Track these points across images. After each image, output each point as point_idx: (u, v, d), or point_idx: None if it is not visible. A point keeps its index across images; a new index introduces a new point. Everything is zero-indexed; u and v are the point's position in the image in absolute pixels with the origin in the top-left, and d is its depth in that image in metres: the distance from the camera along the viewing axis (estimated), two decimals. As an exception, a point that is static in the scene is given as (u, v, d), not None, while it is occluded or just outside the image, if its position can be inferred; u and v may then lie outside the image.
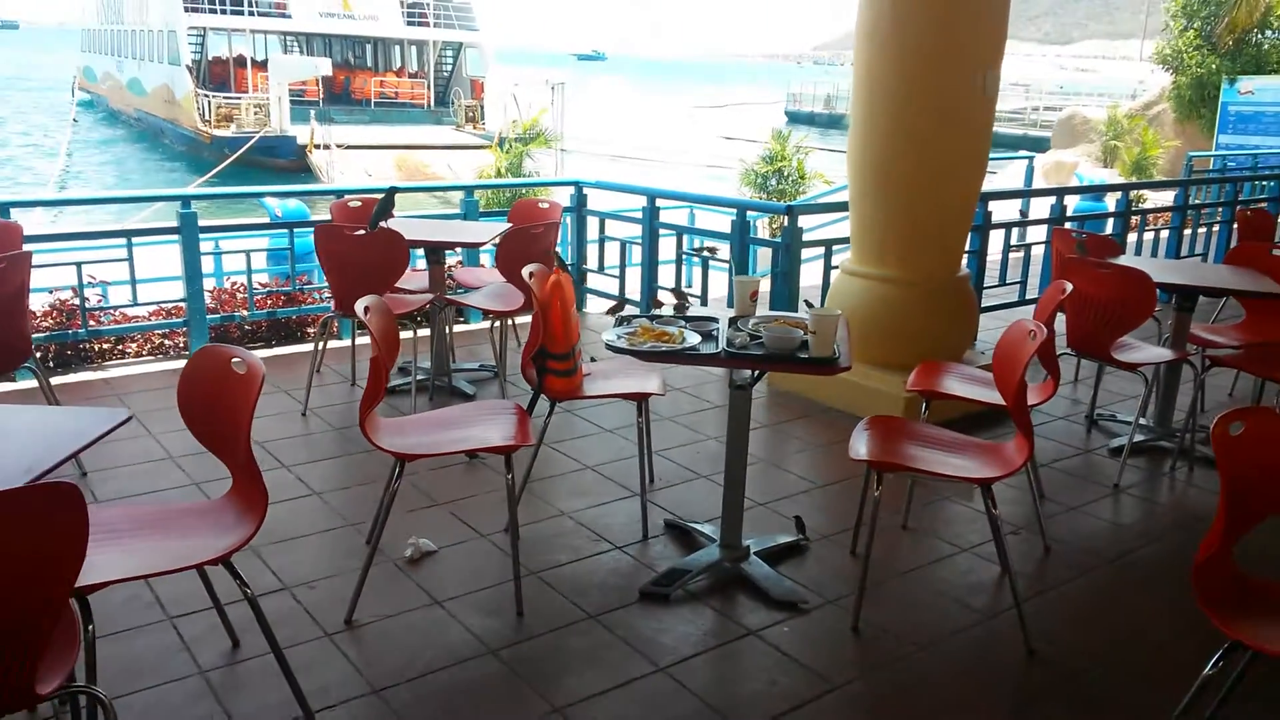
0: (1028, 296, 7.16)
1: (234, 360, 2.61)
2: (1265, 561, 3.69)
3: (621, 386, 3.81)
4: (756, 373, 3.35)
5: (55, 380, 5.39)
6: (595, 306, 7.29)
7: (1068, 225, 7.01)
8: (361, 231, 4.66)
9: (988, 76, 4.77)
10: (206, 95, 29.12)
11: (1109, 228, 7.87)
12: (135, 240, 5.63)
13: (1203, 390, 5.08)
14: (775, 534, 3.76)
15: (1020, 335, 3.23)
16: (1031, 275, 7.35)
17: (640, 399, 3.77)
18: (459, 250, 6.47)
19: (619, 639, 3.09)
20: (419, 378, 5.35)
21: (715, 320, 3.38)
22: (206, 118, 28.60)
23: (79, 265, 5.48)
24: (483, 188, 7.04)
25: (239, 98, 29.23)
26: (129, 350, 5.88)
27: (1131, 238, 8.03)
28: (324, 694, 2.78)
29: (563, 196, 6.95)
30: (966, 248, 6.52)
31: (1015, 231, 7.69)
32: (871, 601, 3.35)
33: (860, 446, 3.22)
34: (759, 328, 3.18)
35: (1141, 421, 4.85)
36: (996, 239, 6.97)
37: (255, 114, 28.29)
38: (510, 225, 5.39)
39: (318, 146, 27.05)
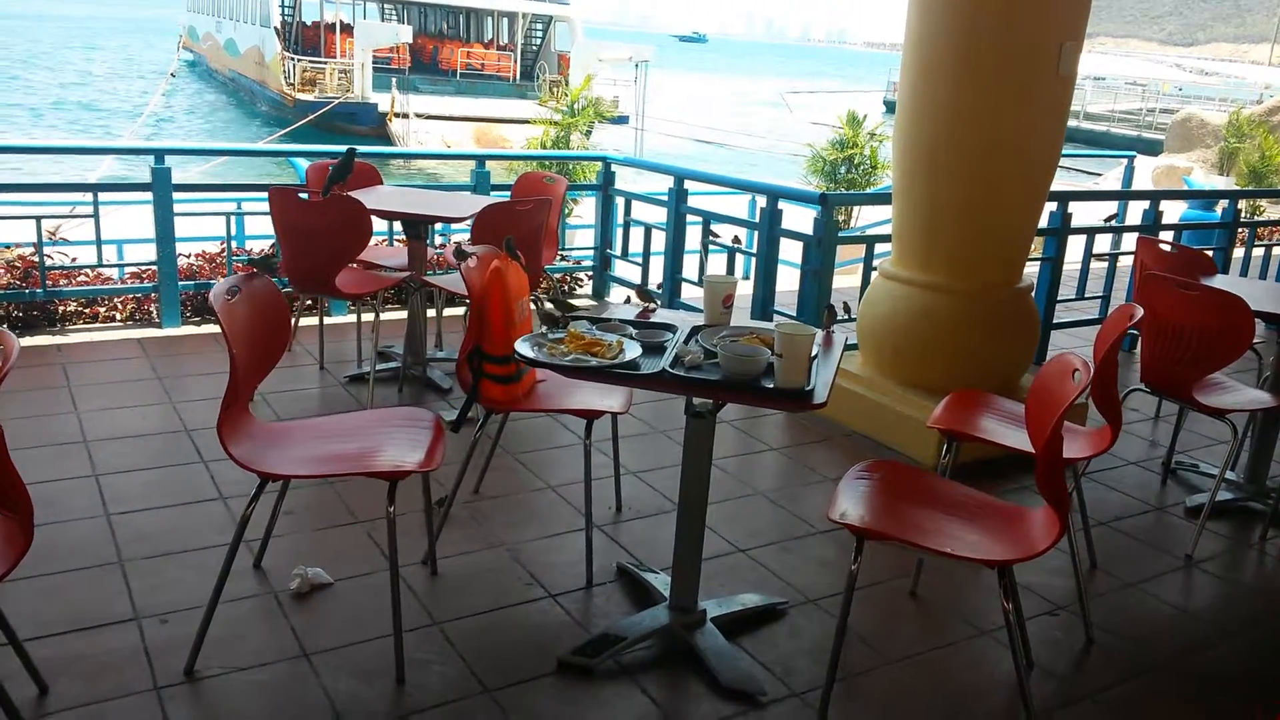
0: (1110, 314, 6.25)
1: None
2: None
3: (574, 400, 3.15)
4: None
5: (4, 343, 4.95)
6: (619, 296, 6.64)
7: (1161, 235, 6.09)
8: (309, 196, 4.08)
9: (1064, 50, 3.95)
10: (293, 59, 29.16)
11: (1213, 241, 6.89)
12: (103, 196, 5.16)
13: (1310, 443, 4.21)
14: (749, 593, 3.06)
15: (1060, 374, 2.47)
16: (1117, 289, 6.46)
17: (593, 417, 3.10)
18: (463, 225, 5.87)
19: (511, 727, 2.44)
20: (390, 365, 4.78)
21: (672, 330, 2.69)
22: (291, 81, 28.64)
23: (38, 220, 5.02)
24: (497, 158, 6.43)
25: (324, 63, 29.19)
26: (98, 314, 5.43)
27: (1238, 254, 7.04)
28: (114, 775, 2.20)
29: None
30: (1038, 253, 5.72)
31: (1106, 239, 6.80)
32: (850, 697, 2.64)
33: (845, 502, 2.51)
34: (722, 343, 2.48)
35: (1229, 476, 4.01)
36: (1077, 245, 6.10)
37: (339, 80, 28.22)
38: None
39: (398, 115, 26.85)
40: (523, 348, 2.48)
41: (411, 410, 2.95)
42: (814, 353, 2.50)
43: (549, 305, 2.71)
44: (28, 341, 5.02)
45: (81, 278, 5.40)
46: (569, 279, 6.64)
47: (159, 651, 2.62)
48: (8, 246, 5.22)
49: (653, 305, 2.93)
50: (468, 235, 6.07)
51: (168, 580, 2.96)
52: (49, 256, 5.19)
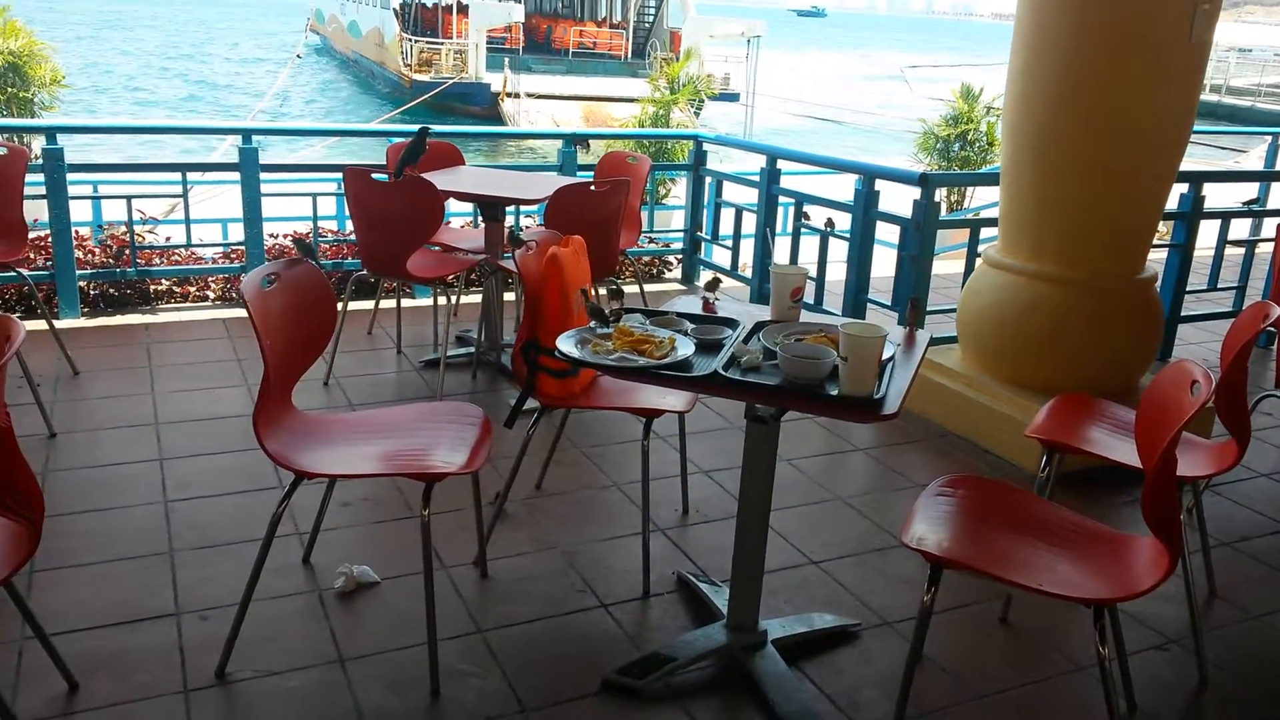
0: (1242, 312, 5.71)
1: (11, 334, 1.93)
2: None
3: (633, 397, 2.95)
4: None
5: (95, 321, 5.04)
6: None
7: (1308, 220, 5.51)
8: (384, 178, 3.97)
9: (1199, 13, 3.53)
10: (410, 40, 29.64)
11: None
12: (191, 176, 5.19)
13: None
14: (818, 612, 2.82)
15: (1176, 385, 2.15)
16: (1255, 279, 5.91)
17: (652, 415, 2.90)
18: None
19: (546, 753, 2.27)
20: (466, 350, 4.67)
21: (732, 326, 2.46)
22: (408, 62, 29.11)
23: (129, 199, 5.07)
24: (583, 137, 6.26)
25: (440, 43, 29.57)
26: (189, 293, 5.48)
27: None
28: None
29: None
30: (1167, 239, 5.25)
31: (1244, 224, 6.22)
32: (922, 736, 2.38)
33: (922, 524, 2.24)
34: (783, 343, 2.24)
35: (1380, 496, 3.55)
36: (1210, 230, 5.58)
37: (454, 60, 28.54)
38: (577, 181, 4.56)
39: (509, 95, 27.02)
40: (565, 345, 2.29)
41: (460, 405, 2.80)
42: (889, 354, 2.24)
43: (601, 293, 2.51)
44: (118, 320, 5.10)
45: (176, 257, 5.45)
46: (657, 262, 6.44)
47: (194, 650, 2.54)
48: (102, 226, 5.31)
49: (715, 297, 2.70)
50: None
51: (214, 573, 2.89)
52: (140, 237, 5.25)
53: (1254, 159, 17.17)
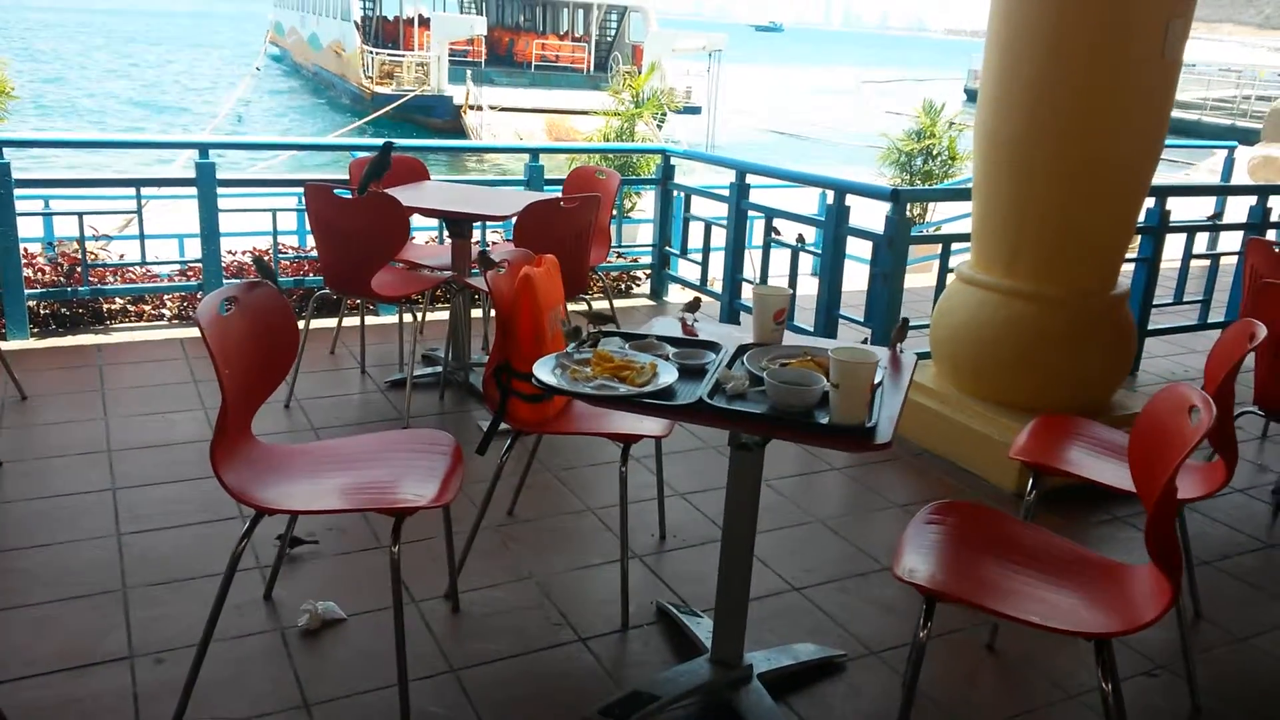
0: (1210, 319, 5.75)
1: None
2: None
3: (609, 422, 2.85)
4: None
5: (45, 342, 4.86)
6: (677, 297, 6.33)
7: (1270, 235, 5.55)
8: (346, 194, 3.85)
9: (1170, 30, 3.52)
10: (372, 52, 29.41)
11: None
12: (146, 191, 5.02)
13: None
14: (803, 643, 2.73)
15: (1173, 411, 2.09)
16: (1220, 291, 5.94)
17: (629, 441, 2.80)
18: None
19: (524, 801, 2.16)
20: (434, 370, 4.54)
21: (714, 349, 2.38)
22: (369, 74, 28.87)
23: (80, 216, 4.90)
24: (550, 151, 6.17)
25: (402, 55, 29.36)
26: (143, 312, 5.30)
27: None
28: None
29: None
30: (1134, 254, 5.26)
31: (1204, 238, 6.27)
32: (914, 773, 2.30)
33: (913, 556, 2.16)
34: (769, 368, 2.16)
35: (1356, 512, 3.55)
36: (1175, 244, 5.60)
37: (416, 73, 28.34)
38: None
39: (472, 107, 26.86)
40: (542, 371, 2.19)
41: (430, 433, 2.69)
42: (878, 379, 2.17)
43: (576, 314, 2.41)
44: (69, 341, 4.92)
45: (130, 275, 5.28)
46: (625, 277, 6.35)
47: (149, 697, 2.40)
48: (53, 243, 5.12)
49: (694, 318, 2.61)
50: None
51: (170, 612, 2.74)
52: (93, 254, 5.07)
53: (1204, 172, 17.48)
